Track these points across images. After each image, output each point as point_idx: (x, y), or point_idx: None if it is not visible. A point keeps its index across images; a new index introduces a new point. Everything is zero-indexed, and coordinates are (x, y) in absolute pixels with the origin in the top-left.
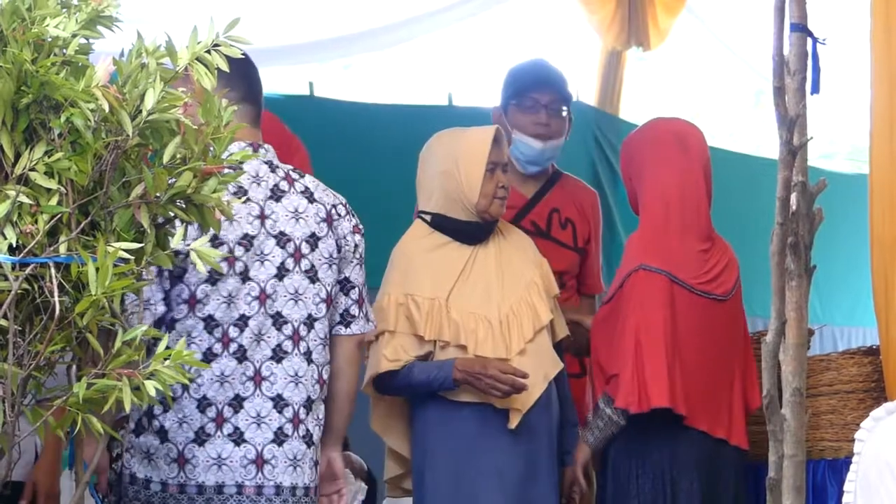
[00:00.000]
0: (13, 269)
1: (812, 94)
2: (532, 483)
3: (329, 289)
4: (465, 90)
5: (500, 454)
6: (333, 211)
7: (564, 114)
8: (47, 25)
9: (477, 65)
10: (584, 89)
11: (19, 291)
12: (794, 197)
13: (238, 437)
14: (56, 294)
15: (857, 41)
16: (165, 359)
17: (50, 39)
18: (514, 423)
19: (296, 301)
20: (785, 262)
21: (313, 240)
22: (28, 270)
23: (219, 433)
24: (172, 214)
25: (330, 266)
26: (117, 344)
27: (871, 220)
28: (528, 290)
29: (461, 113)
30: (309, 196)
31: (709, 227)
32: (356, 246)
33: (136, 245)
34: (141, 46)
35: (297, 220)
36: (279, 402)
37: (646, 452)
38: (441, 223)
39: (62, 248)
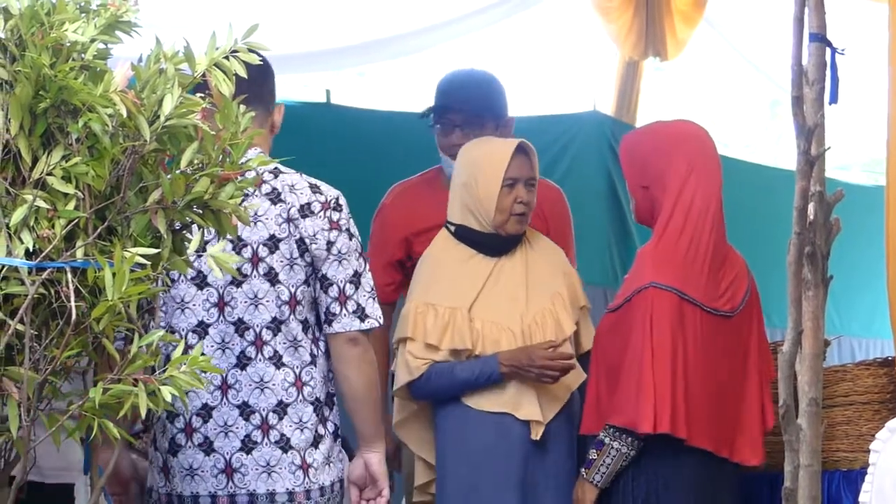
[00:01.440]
0: (30, 273)
1: (830, 103)
2: (550, 493)
3: (293, 290)
4: None
5: (519, 464)
6: (302, 210)
7: (483, 124)
8: (66, 30)
9: (493, 74)
10: (601, 99)
11: (36, 296)
12: (811, 207)
13: (208, 447)
14: (72, 299)
15: (875, 52)
16: (181, 364)
17: (68, 44)
18: (536, 434)
19: (255, 306)
20: (802, 272)
21: (272, 242)
22: (45, 275)
23: (189, 443)
24: (189, 220)
25: (292, 267)
26: (133, 349)
27: (887, 232)
28: (553, 300)
29: None
30: (274, 197)
31: (724, 238)
32: (330, 242)
33: (152, 250)
34: (159, 52)
35: (254, 223)
36: (245, 410)
37: (642, 469)
38: (463, 234)
39: (79, 253)
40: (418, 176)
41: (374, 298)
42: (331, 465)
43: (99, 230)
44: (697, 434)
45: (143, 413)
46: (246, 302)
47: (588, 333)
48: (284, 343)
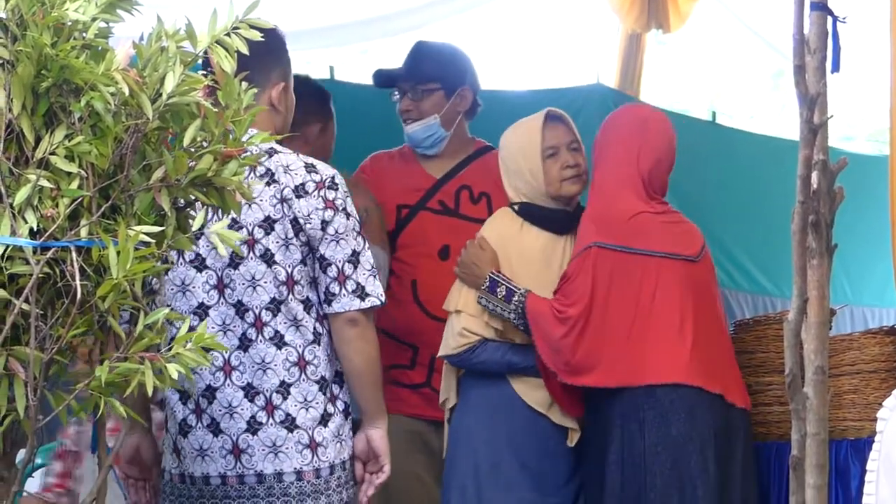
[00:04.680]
0: (34, 252)
1: (832, 72)
2: (568, 489)
3: (290, 270)
4: (484, 73)
5: (543, 456)
6: (296, 190)
7: (431, 91)
8: (67, 9)
9: (496, 48)
10: (604, 71)
11: (40, 275)
12: (814, 176)
13: (215, 428)
14: (77, 278)
15: (877, 23)
16: (187, 342)
17: (70, 23)
18: (572, 441)
19: (254, 287)
20: (806, 241)
21: (268, 223)
22: (49, 254)
23: (199, 424)
24: (193, 197)
25: (287, 247)
26: (139, 327)
27: (891, 201)
28: None
29: (480, 96)
30: (269, 178)
31: (660, 195)
32: (325, 222)
33: (157, 228)
34: (161, 30)
35: (249, 205)
36: (249, 391)
37: (647, 423)
38: (529, 211)
39: (83, 232)
40: (397, 148)
41: (374, 276)
42: (342, 443)
43: (103, 209)
44: (662, 372)
45: (150, 391)
46: (244, 284)
47: None
48: (286, 323)
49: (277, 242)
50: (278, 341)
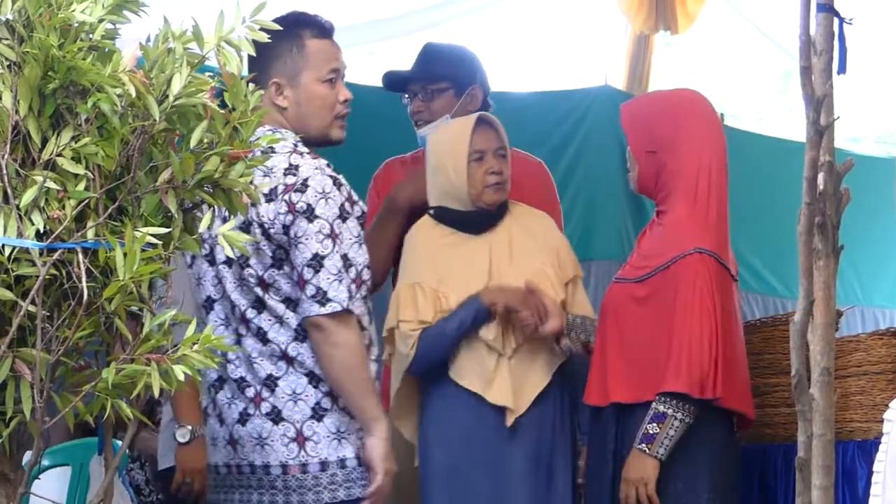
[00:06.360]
0: (41, 254)
1: (839, 73)
2: (526, 480)
3: (261, 273)
4: (492, 75)
5: (493, 448)
6: (268, 194)
7: (441, 91)
8: (74, 10)
9: (504, 49)
10: (612, 73)
11: (47, 277)
12: (820, 177)
13: (219, 418)
14: (84, 279)
15: (884, 24)
16: (194, 343)
17: (76, 24)
18: (508, 421)
19: (241, 287)
20: (813, 242)
21: (245, 226)
22: (56, 256)
23: (213, 413)
24: (200, 199)
25: (258, 251)
26: (145, 329)
27: None
28: (536, 278)
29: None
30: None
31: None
32: (286, 226)
33: (163, 230)
34: (167, 31)
35: None
36: (242, 384)
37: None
38: (443, 215)
39: (90, 234)
40: (410, 153)
41: (340, 281)
42: (341, 440)
43: (109, 210)
44: (747, 403)
45: (157, 393)
46: (233, 283)
47: (578, 301)
48: (269, 320)
49: (251, 245)
50: (262, 337)
